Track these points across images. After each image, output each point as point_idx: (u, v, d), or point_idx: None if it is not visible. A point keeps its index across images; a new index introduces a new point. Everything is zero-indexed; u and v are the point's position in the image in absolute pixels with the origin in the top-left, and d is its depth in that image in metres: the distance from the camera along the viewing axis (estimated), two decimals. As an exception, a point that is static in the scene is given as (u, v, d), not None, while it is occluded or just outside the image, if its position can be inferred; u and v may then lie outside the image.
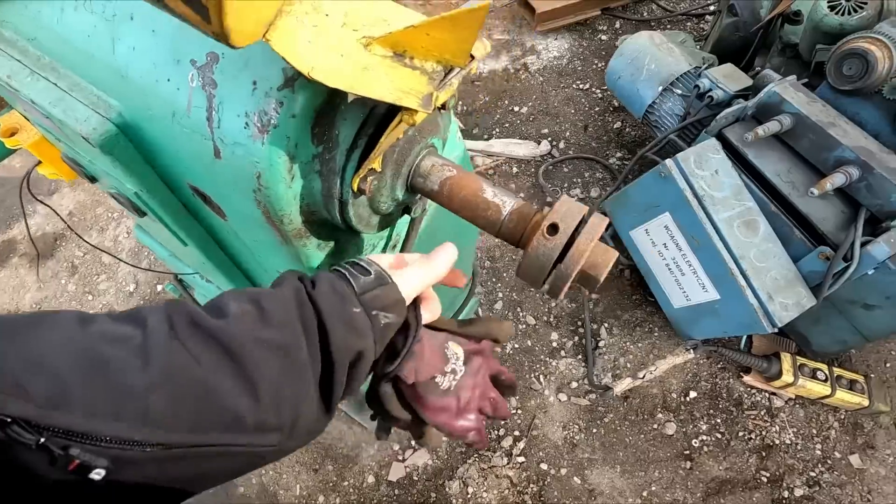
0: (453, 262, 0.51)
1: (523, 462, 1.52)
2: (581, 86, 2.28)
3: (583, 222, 0.47)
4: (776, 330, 1.29)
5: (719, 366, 1.64)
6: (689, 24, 2.45)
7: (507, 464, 1.52)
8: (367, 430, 1.57)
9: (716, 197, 1.36)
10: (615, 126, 2.15)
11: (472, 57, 0.40)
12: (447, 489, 1.49)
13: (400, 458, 1.54)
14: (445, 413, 0.54)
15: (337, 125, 0.45)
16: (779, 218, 1.38)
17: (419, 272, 0.48)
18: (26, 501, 0.33)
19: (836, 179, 1.27)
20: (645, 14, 2.48)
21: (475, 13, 0.34)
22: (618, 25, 2.46)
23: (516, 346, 1.71)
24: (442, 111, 0.53)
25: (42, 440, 0.31)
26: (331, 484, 1.52)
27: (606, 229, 1.79)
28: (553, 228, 0.46)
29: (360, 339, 0.43)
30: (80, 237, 1.36)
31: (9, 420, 0.30)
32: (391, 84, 0.37)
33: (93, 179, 0.70)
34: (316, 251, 0.58)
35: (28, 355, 0.33)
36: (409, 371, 0.49)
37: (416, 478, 1.52)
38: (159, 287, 1.85)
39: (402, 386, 0.51)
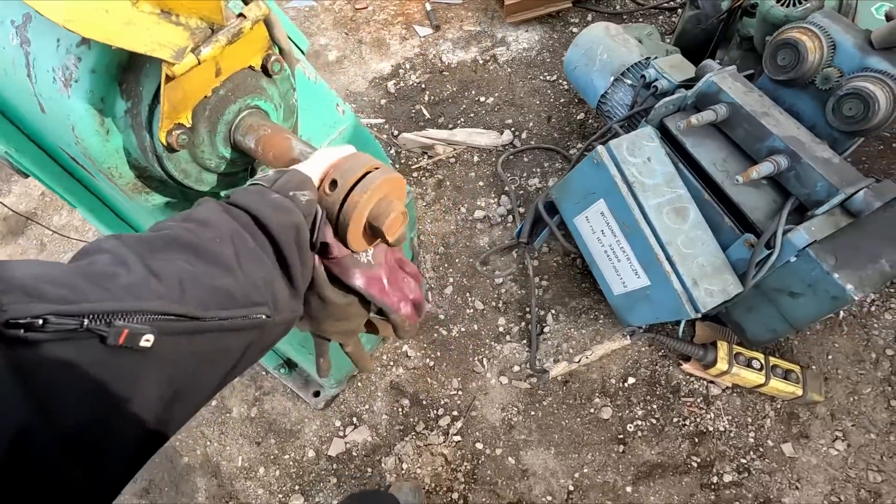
0: (353, 150, 0.54)
1: (459, 441, 1.55)
2: (548, 77, 2.29)
3: (364, 176, 0.50)
4: (699, 315, 1.31)
5: (660, 353, 1.65)
6: (661, 17, 2.45)
7: (444, 442, 1.55)
8: (311, 407, 1.61)
9: (646, 184, 1.37)
10: (578, 117, 2.16)
11: (244, 16, 0.44)
12: (383, 464, 1.53)
13: (341, 434, 1.59)
14: (377, 284, 0.57)
15: (141, 81, 0.48)
16: (711, 206, 1.39)
17: (316, 156, 0.52)
18: (90, 397, 0.34)
19: (763, 168, 1.28)
20: (617, 7, 2.49)
21: (206, -30, 0.37)
22: (590, 18, 2.47)
23: (463, 329, 1.74)
24: (270, 76, 0.56)
25: (86, 322, 0.32)
26: (272, 457, 1.56)
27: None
28: (333, 184, 0.49)
29: (289, 215, 0.47)
30: (39, 223, 1.42)
31: (39, 322, 0.30)
32: (150, 38, 0.40)
33: (-16, 142, 0.74)
34: (165, 209, 0.62)
35: (26, 272, 0.33)
36: (331, 237, 0.51)
37: (354, 453, 1.56)
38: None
39: (330, 265, 0.53)
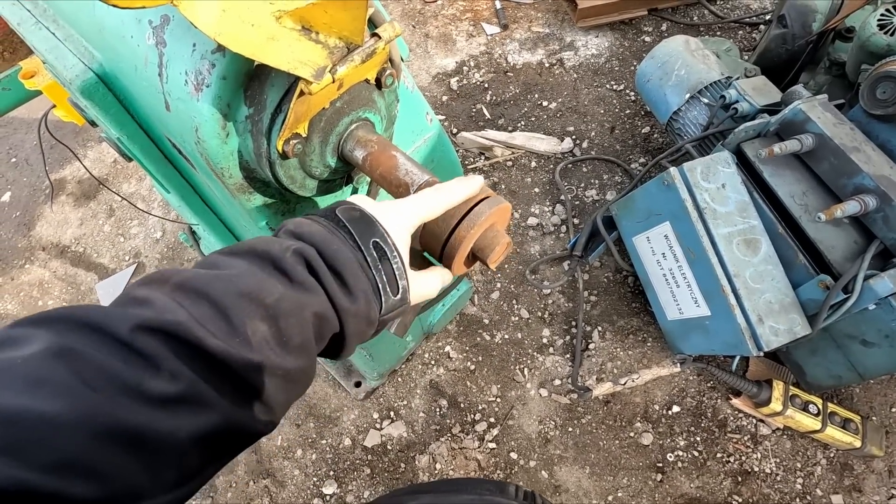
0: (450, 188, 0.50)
1: (494, 448, 1.55)
2: (615, 87, 2.23)
3: (472, 209, 0.49)
4: (761, 354, 1.26)
5: (709, 384, 1.60)
6: (740, 32, 2.34)
7: (478, 447, 1.55)
8: (351, 396, 1.64)
9: (718, 211, 1.32)
10: (643, 131, 2.10)
11: (378, 37, 0.43)
12: (416, 462, 1.54)
13: (378, 426, 1.61)
14: None
15: (266, 89, 0.49)
16: (785, 241, 1.33)
17: (432, 281, 0.51)
18: None
19: (849, 207, 1.21)
20: (695, 18, 2.39)
21: (359, -5, 0.37)
22: (664, 28, 2.38)
23: (506, 336, 1.73)
24: (381, 89, 0.56)
25: None
26: (310, 440, 1.61)
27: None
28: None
29: (363, 332, 0.45)
30: (109, 188, 1.49)
31: None
32: (292, 55, 0.41)
33: (93, 124, 0.78)
34: (263, 208, 0.63)
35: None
36: None
37: (389, 447, 1.58)
38: (183, 237, 1.98)
39: None
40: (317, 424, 1.63)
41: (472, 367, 1.68)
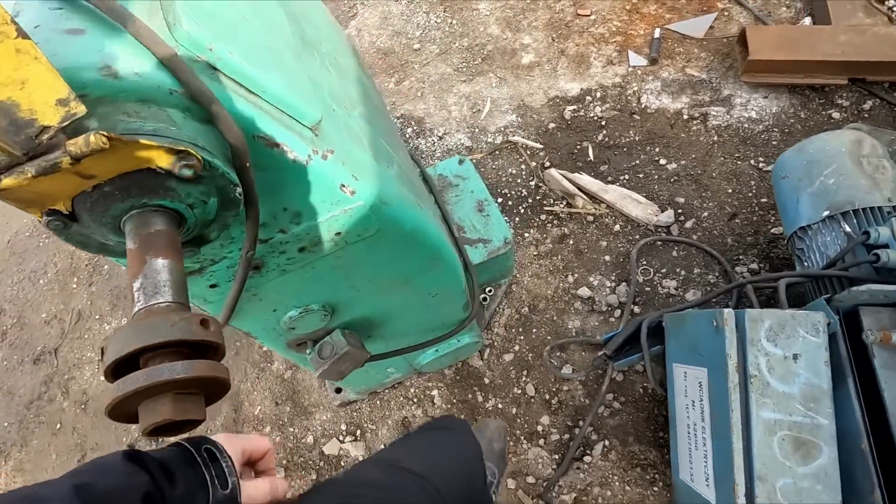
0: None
1: (434, 517, 1.44)
2: (761, 165, 1.79)
3: None
4: (755, 592, 0.93)
5: (708, 574, 1.26)
6: (985, 138, 1.67)
7: (419, 508, 1.45)
8: (329, 398, 1.65)
9: (771, 387, 0.98)
10: (773, 231, 1.66)
11: (64, 150, 0.36)
12: (357, 491, 1.51)
13: (341, 438, 1.60)
14: None
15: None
16: (863, 463, 0.94)
17: (259, 487, 0.61)
18: None
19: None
20: (918, 103, 1.77)
21: None
22: (868, 106, 1.81)
23: (500, 406, 1.56)
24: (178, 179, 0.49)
25: None
26: (280, 423, 1.67)
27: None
28: None
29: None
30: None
31: None
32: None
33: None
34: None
35: None
36: None
37: (343, 462, 1.57)
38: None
39: None
40: (292, 410, 1.68)
41: (451, 423, 1.56)
